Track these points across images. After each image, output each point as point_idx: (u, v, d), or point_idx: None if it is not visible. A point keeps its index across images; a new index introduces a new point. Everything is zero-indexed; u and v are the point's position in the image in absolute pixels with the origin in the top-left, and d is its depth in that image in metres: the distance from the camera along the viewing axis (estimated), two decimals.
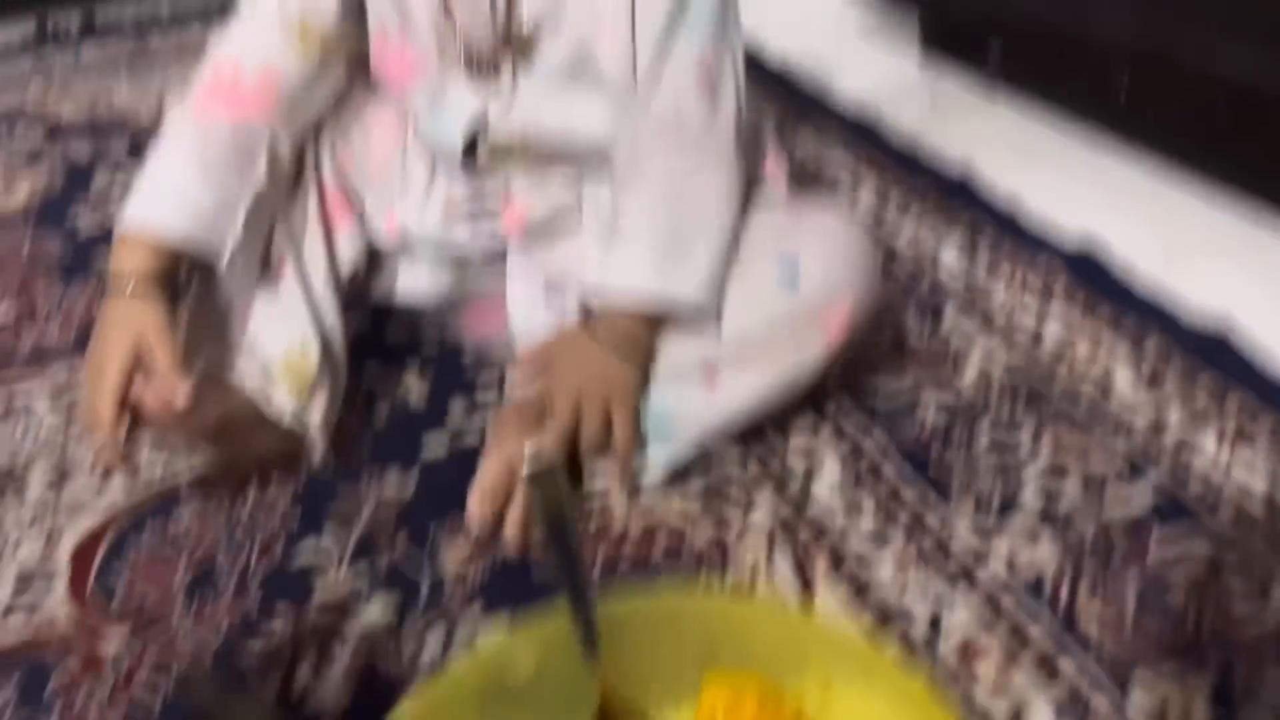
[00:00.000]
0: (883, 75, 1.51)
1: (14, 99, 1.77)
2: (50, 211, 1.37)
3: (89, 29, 2.08)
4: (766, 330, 0.77)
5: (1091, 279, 0.99)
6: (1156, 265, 1.01)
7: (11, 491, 0.89)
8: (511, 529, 0.74)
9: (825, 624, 0.61)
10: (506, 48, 0.81)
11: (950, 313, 0.98)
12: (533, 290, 0.87)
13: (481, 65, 0.81)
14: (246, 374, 0.81)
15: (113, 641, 0.74)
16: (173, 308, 0.78)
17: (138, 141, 1.55)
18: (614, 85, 0.80)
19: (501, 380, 0.96)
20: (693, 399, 0.78)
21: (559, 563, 0.52)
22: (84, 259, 1.25)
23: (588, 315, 0.79)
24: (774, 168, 0.87)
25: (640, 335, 0.77)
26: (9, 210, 1.39)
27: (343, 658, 0.71)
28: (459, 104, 0.83)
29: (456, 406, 0.94)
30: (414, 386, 0.97)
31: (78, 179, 1.45)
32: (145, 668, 0.72)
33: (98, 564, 0.81)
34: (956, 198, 1.16)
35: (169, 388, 0.71)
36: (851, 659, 0.54)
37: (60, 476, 0.90)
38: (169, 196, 0.77)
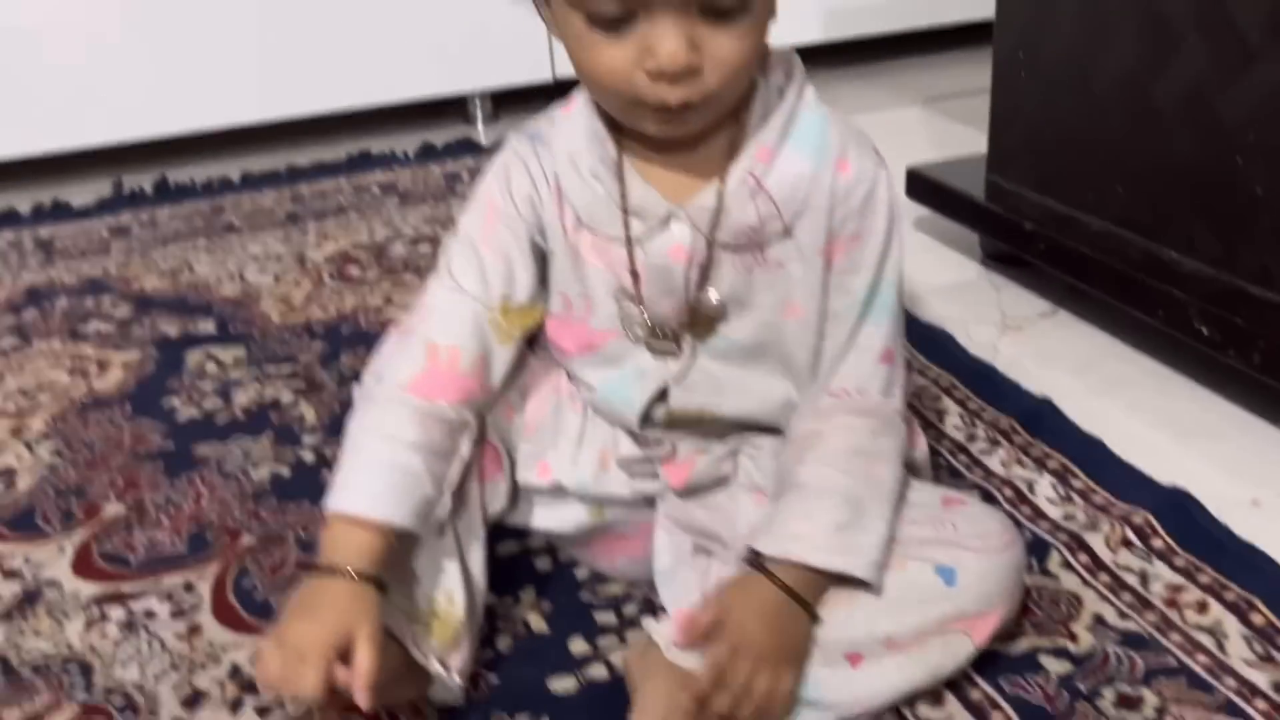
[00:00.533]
0: (947, 291, 1.57)
1: (95, 266, 1.82)
2: (146, 396, 1.40)
3: (163, 190, 2.15)
4: (917, 628, 0.80)
5: (1186, 530, 1.03)
6: (1243, 514, 1.05)
7: (146, 715, 0.90)
8: None
9: None
10: (691, 325, 0.86)
11: (1056, 558, 1.01)
12: (679, 542, 0.90)
13: (662, 339, 0.86)
14: (399, 622, 0.83)
15: None
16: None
17: (224, 319, 1.60)
18: (794, 362, 0.85)
19: (619, 604, 0.98)
20: (835, 680, 0.80)
21: None
22: (186, 451, 1.27)
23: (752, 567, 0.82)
24: (921, 445, 0.91)
25: (814, 582, 0.80)
26: (105, 392, 1.42)
27: None
28: (637, 375, 0.87)
29: (577, 633, 0.96)
30: (531, 609, 0.99)
31: (169, 359, 1.49)
32: None
33: None
34: (1041, 430, 1.21)
35: (359, 693, 0.73)
36: None
37: (190, 700, 0.91)
38: (398, 484, 0.79)
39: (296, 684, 0.72)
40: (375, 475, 0.80)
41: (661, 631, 0.83)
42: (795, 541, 0.80)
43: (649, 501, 0.93)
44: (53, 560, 1.10)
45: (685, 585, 0.88)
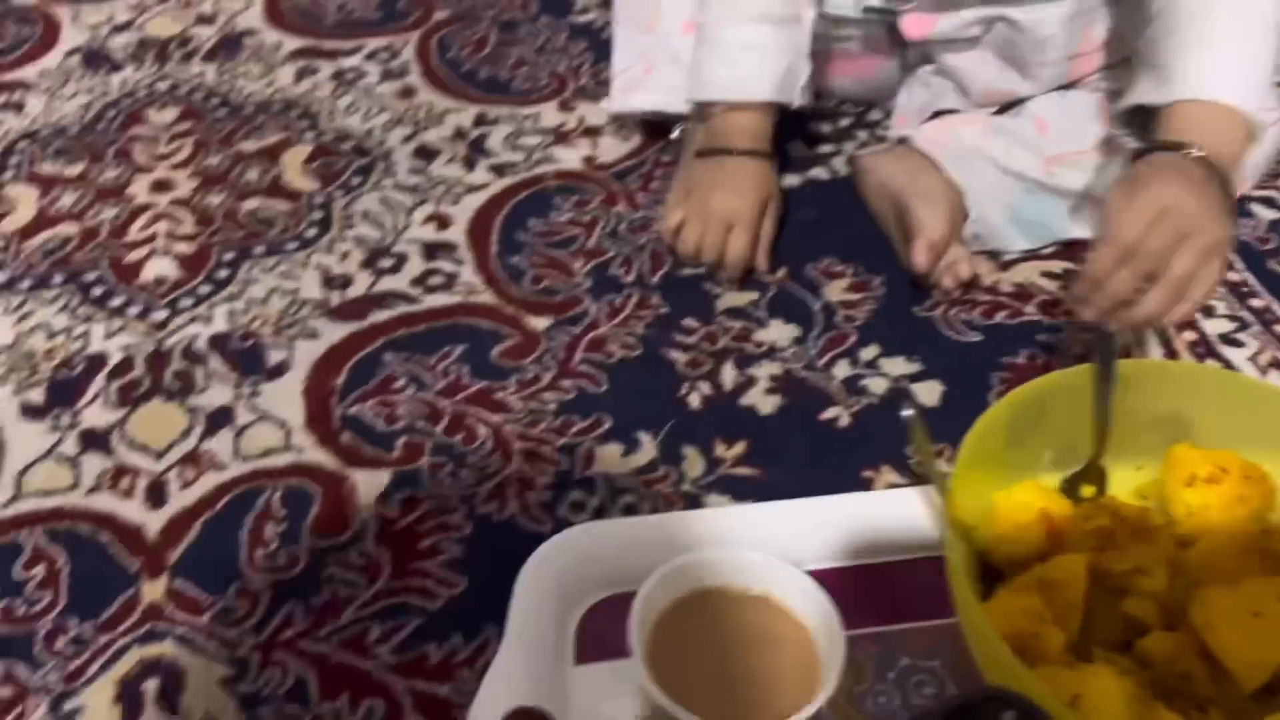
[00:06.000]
0: None
1: None
2: None
3: None
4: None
5: None
6: None
7: (380, 167, 0.91)
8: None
9: None
10: None
11: None
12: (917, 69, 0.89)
13: None
14: None
15: (539, 320, 0.78)
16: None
17: None
18: None
19: (835, 110, 0.98)
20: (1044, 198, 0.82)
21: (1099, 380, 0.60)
22: None
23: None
24: None
25: (1238, 150, 0.69)
26: None
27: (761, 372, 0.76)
28: None
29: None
30: None
31: None
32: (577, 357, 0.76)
33: (496, 240, 0.84)
34: None
35: (764, 255, 0.83)
36: None
37: (423, 155, 0.92)
38: (766, 66, 0.82)
39: (730, 249, 0.80)
40: (728, 59, 0.82)
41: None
42: (1211, 83, 0.68)
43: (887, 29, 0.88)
44: (242, 9, 1.07)
45: (914, 96, 0.89)
